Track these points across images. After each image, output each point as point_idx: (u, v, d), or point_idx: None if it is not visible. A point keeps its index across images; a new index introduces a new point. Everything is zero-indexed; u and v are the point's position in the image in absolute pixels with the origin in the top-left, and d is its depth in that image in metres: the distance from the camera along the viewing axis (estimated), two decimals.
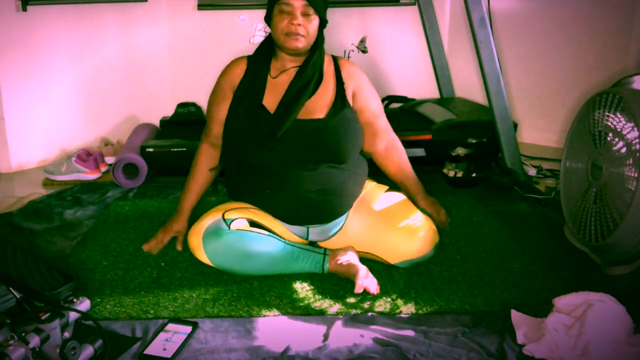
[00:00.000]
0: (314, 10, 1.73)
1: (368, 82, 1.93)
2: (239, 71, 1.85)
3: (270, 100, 1.79)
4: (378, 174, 2.06)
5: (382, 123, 1.96)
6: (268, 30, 1.84)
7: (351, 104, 1.86)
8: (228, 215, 1.75)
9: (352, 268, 1.70)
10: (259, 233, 1.74)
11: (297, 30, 1.72)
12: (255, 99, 1.79)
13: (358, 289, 1.64)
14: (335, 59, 1.90)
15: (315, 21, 1.76)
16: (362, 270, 1.69)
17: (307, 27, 1.74)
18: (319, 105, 1.80)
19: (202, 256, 1.74)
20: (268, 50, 1.85)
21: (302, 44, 1.76)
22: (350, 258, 1.75)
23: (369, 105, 1.91)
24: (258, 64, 1.83)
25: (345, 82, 1.85)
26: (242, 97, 1.80)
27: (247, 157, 1.78)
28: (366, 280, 1.67)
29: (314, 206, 1.78)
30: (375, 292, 1.66)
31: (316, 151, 1.76)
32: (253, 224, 1.78)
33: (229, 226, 1.72)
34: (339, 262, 1.73)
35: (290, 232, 1.85)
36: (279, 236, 1.79)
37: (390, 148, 2.01)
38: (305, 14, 1.73)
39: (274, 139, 1.72)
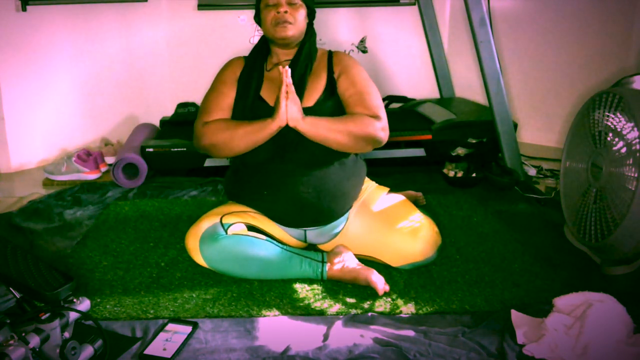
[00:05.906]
0: None
1: (356, 65, 1.85)
2: (239, 67, 1.85)
3: (268, 94, 1.79)
4: (378, 175, 2.05)
5: (370, 102, 1.77)
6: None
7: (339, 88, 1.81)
8: (226, 220, 1.75)
9: (359, 274, 1.69)
10: (256, 237, 1.73)
11: (284, 17, 1.74)
12: (255, 91, 1.79)
13: (381, 292, 1.65)
14: (330, 52, 1.90)
15: (302, 10, 1.78)
16: (374, 272, 1.69)
17: (294, 15, 1.76)
18: (310, 95, 1.79)
19: (199, 259, 1.73)
20: (263, 49, 1.87)
21: (292, 31, 1.76)
22: (347, 260, 1.74)
23: (355, 83, 1.79)
24: (254, 61, 1.85)
25: (334, 70, 1.84)
26: (244, 89, 1.80)
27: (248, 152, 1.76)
28: (375, 277, 1.68)
29: (311, 208, 1.77)
30: (387, 289, 1.66)
31: (305, 140, 1.71)
32: (251, 228, 1.78)
33: (226, 230, 1.72)
34: (336, 267, 1.72)
35: (288, 236, 1.84)
36: (278, 240, 1.79)
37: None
38: (290, 3, 1.76)
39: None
